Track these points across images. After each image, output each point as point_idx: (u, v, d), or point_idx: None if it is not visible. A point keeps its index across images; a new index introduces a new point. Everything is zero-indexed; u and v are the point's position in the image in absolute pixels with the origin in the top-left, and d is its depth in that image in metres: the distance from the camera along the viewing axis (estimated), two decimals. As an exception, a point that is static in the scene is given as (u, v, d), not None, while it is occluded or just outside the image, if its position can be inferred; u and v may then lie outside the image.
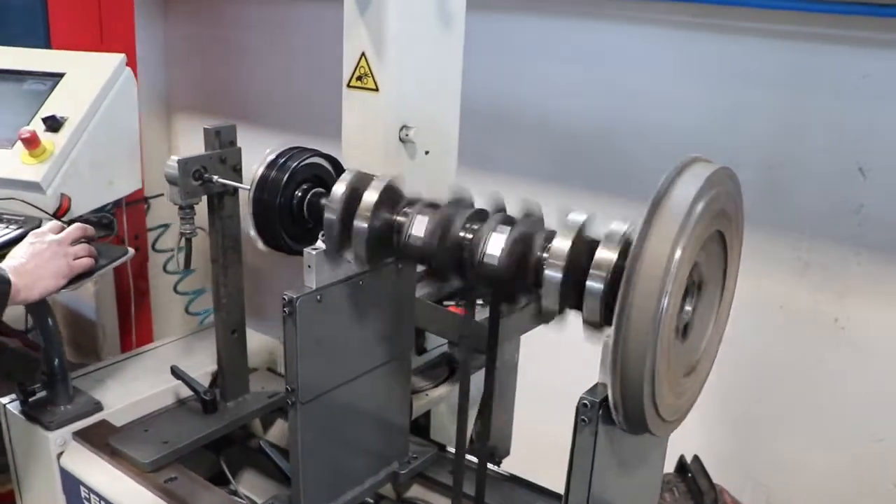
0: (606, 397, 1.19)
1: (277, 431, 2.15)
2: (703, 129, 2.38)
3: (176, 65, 3.25)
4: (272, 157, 1.60)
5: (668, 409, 1.21)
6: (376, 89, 1.86)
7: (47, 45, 2.36)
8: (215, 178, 1.83)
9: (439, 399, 2.07)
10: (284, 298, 1.46)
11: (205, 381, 2.09)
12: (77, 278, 1.77)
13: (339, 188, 1.44)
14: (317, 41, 2.82)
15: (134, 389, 2.10)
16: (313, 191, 1.61)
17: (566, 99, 2.60)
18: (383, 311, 1.66)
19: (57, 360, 1.99)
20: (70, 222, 1.95)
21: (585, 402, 1.20)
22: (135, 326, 2.67)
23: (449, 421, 2.14)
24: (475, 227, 1.37)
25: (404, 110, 1.89)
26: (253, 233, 1.60)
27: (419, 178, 1.84)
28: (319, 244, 1.49)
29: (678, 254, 1.11)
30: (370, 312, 1.62)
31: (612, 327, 1.11)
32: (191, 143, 3.50)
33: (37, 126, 2.03)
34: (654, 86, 2.45)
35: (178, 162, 1.79)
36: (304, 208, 1.60)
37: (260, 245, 1.62)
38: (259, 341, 2.26)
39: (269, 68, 3.10)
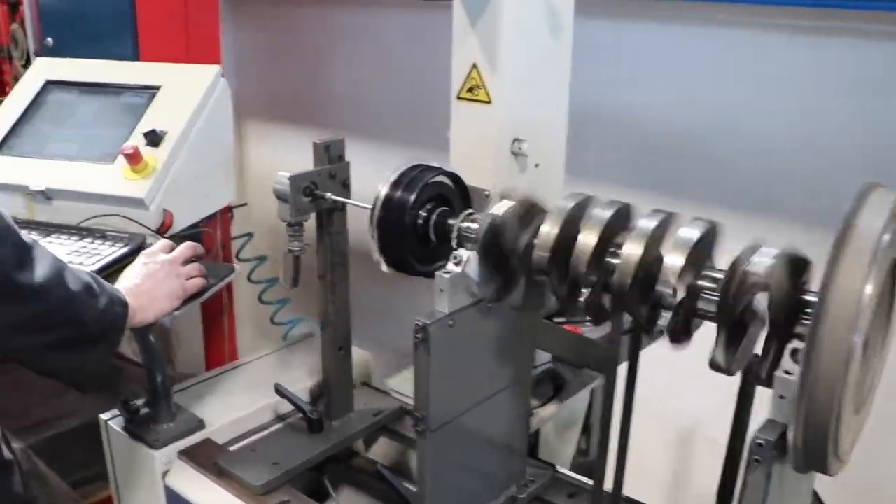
0: (780, 436, 1.14)
1: (380, 450, 2.12)
2: (801, 136, 2.30)
3: (244, 71, 3.21)
4: (396, 175, 1.55)
5: (843, 447, 1.16)
6: (488, 101, 1.81)
7: (136, 58, 2.33)
8: (328, 195, 1.79)
9: (547, 418, 2.02)
10: (418, 324, 1.42)
11: (303, 398, 2.06)
12: (189, 299, 1.74)
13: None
14: (391, 47, 2.78)
15: (234, 406, 2.06)
16: (439, 210, 1.56)
17: (652, 102, 2.53)
18: (509, 332, 1.61)
19: (160, 377, 1.96)
20: (173, 238, 1.92)
21: (761, 441, 1.15)
22: (219, 337, 2.64)
23: (557, 440, 2.09)
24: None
25: (516, 123, 1.84)
26: (377, 255, 1.55)
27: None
28: (451, 267, 1.44)
29: (869, 289, 1.05)
30: (497, 334, 1.58)
31: (801, 366, 1.06)
32: (260, 150, 3.49)
33: (137, 140, 2.00)
34: (745, 90, 2.36)
35: (290, 179, 1.75)
36: (431, 229, 1.55)
37: (384, 267, 1.57)
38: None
39: (340, 75, 3.06)
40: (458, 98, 1.85)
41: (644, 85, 2.44)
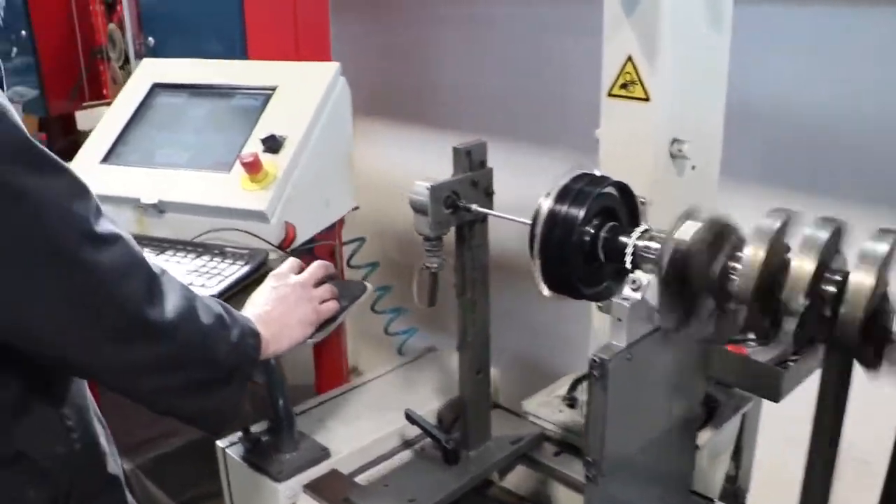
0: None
1: (516, 479, 1.95)
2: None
3: (345, 65, 3.01)
4: (560, 187, 1.36)
5: None
6: (646, 98, 1.62)
7: (243, 56, 2.18)
8: (473, 206, 1.63)
9: (702, 446, 1.82)
10: (594, 360, 1.24)
11: (430, 420, 1.89)
12: (322, 324, 1.58)
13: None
14: (512, 39, 2.59)
15: (358, 432, 1.92)
16: (608, 226, 1.37)
17: (791, 91, 2.29)
18: (684, 360, 1.43)
19: (281, 402, 1.82)
20: (295, 253, 1.78)
21: None
22: (330, 350, 2.49)
23: (709, 468, 1.90)
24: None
25: (676, 122, 1.65)
26: (538, 277, 1.37)
27: (684, 197, 1.61)
28: (629, 293, 1.27)
29: None
30: (672, 364, 1.40)
31: None
32: (366, 147, 3.31)
33: (254, 147, 1.85)
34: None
35: (431, 189, 1.58)
36: (600, 248, 1.36)
37: (545, 291, 1.39)
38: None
39: (451, 68, 2.86)
40: (610, 95, 1.67)
41: (798, 74, 2.20)
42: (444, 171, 1.67)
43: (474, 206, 1.61)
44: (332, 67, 1.96)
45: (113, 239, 1.14)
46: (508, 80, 2.62)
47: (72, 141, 3.48)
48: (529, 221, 1.37)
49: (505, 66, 2.65)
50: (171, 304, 1.21)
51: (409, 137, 2.96)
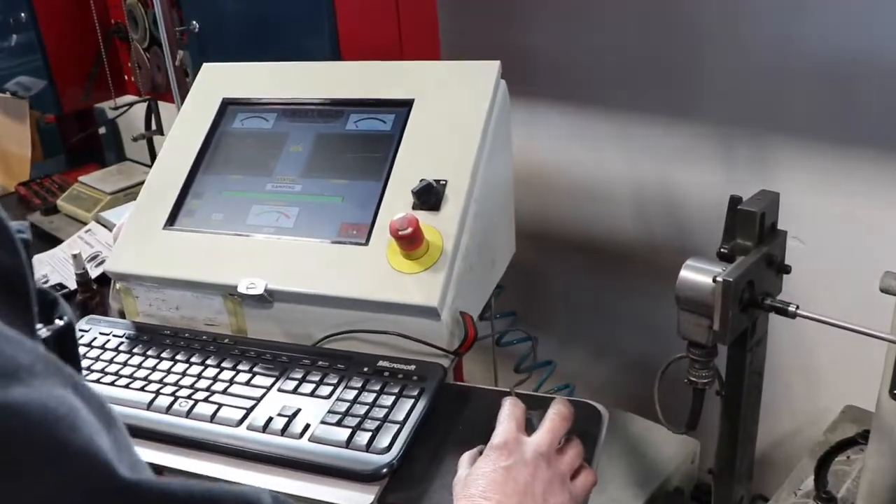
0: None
1: None
2: None
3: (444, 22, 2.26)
4: None
5: None
6: None
7: (334, 50, 1.55)
8: (768, 300, 1.03)
9: None
10: None
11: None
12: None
13: None
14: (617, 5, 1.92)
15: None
16: None
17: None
18: None
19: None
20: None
21: None
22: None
23: None
24: None
25: None
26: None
27: None
28: None
29: None
30: None
31: None
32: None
33: (398, 199, 1.24)
34: None
35: (723, 284, 0.98)
36: None
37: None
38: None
39: (548, 29, 2.14)
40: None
41: None
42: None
43: (769, 301, 1.01)
44: (491, 69, 1.32)
45: None
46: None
47: (90, 135, 2.89)
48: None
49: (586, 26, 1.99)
50: None
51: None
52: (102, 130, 3.12)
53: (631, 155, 1.99)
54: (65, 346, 0.65)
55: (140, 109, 2.55)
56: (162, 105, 2.48)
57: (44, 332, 0.63)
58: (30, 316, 0.57)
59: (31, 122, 2.69)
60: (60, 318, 0.66)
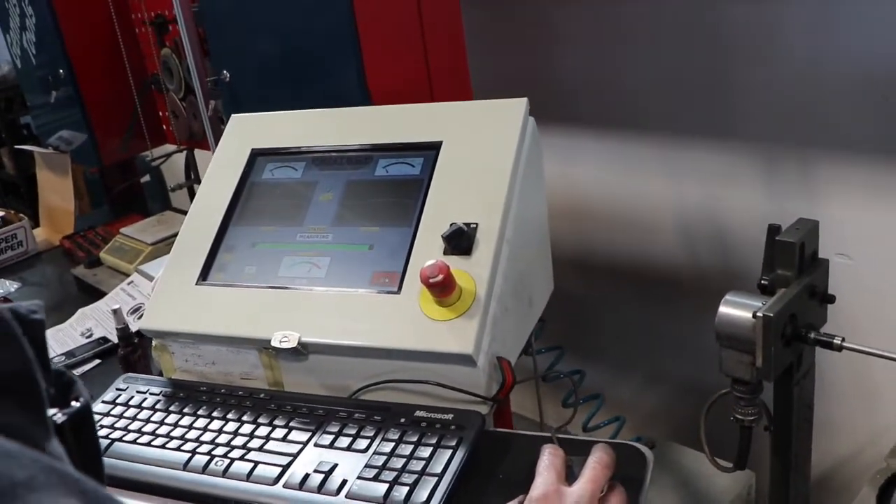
0: None
1: None
2: None
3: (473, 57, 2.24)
4: None
5: None
6: None
7: (363, 94, 1.54)
8: (812, 335, 0.99)
9: None
10: None
11: None
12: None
13: None
14: (649, 27, 1.89)
15: None
16: None
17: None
18: None
19: None
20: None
21: None
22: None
23: None
24: None
25: None
26: None
27: None
28: None
29: None
30: None
31: None
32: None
33: (429, 245, 1.22)
34: None
35: (763, 320, 0.94)
36: None
37: None
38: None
39: (579, 55, 2.11)
40: None
41: None
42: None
43: (812, 335, 0.97)
44: (519, 106, 1.30)
45: None
46: (621, 69, 1.93)
47: (133, 185, 2.92)
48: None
49: (620, 53, 1.96)
50: None
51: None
52: (146, 179, 3.15)
53: (672, 178, 1.95)
54: (81, 429, 0.64)
55: (181, 157, 2.57)
56: (199, 153, 2.50)
57: (59, 416, 0.62)
58: (39, 412, 0.56)
59: (77, 175, 2.73)
60: (77, 400, 0.65)
